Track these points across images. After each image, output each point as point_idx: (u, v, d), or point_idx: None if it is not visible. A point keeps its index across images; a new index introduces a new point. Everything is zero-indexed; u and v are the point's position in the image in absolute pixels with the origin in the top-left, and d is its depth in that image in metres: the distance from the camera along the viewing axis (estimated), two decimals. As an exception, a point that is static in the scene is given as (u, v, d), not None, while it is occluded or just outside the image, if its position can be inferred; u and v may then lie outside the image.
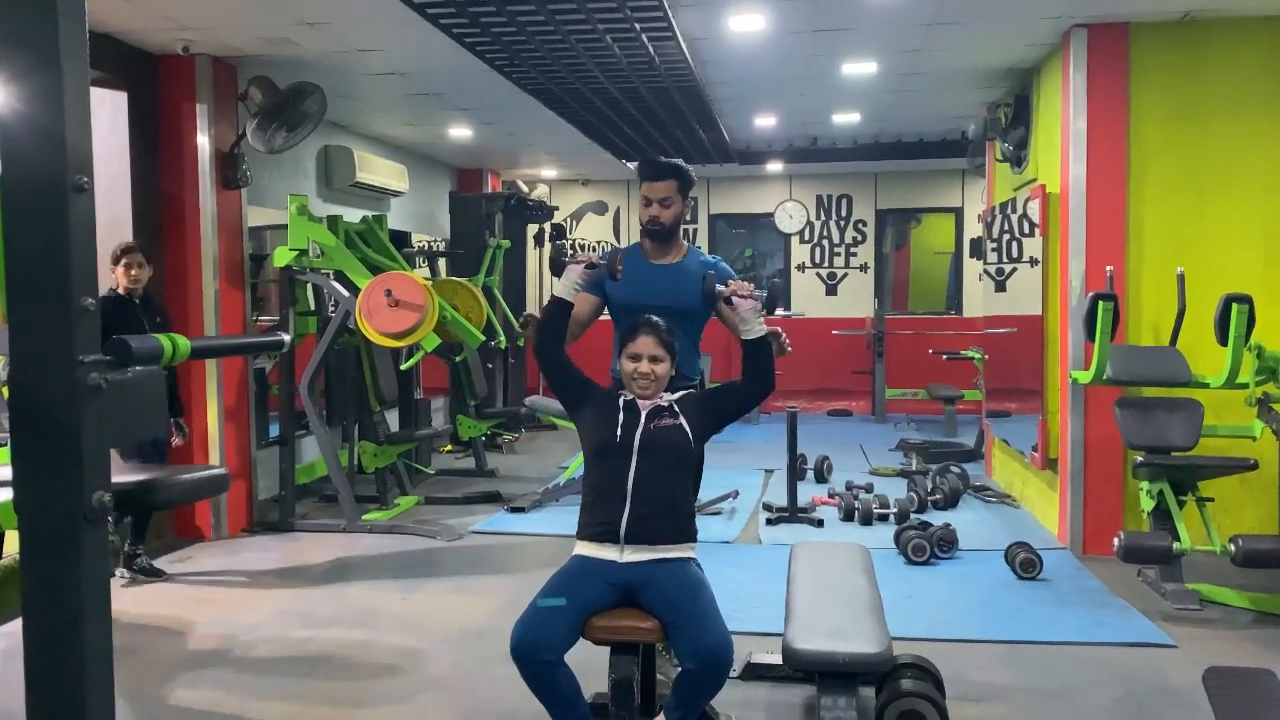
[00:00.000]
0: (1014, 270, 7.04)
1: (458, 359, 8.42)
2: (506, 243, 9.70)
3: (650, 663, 3.18)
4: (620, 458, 3.04)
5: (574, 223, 12.59)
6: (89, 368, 1.64)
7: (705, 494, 6.67)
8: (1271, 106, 5.54)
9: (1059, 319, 5.95)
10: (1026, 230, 6.57)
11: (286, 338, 2.82)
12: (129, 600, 4.98)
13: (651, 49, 5.88)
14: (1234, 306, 4.66)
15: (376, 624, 4.66)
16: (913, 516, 6.24)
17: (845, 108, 8.27)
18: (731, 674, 3.67)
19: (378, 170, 8.53)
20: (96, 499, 1.66)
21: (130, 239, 5.67)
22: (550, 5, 5.04)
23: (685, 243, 3.79)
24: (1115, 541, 4.71)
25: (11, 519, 1.72)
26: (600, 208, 12.60)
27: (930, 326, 11.65)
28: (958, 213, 11.90)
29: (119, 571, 5.26)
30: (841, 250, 12.24)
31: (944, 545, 5.59)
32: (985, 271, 8.05)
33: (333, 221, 6.79)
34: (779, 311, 11.87)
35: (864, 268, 12.20)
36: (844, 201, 12.21)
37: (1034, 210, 6.30)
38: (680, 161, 3.68)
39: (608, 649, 2.97)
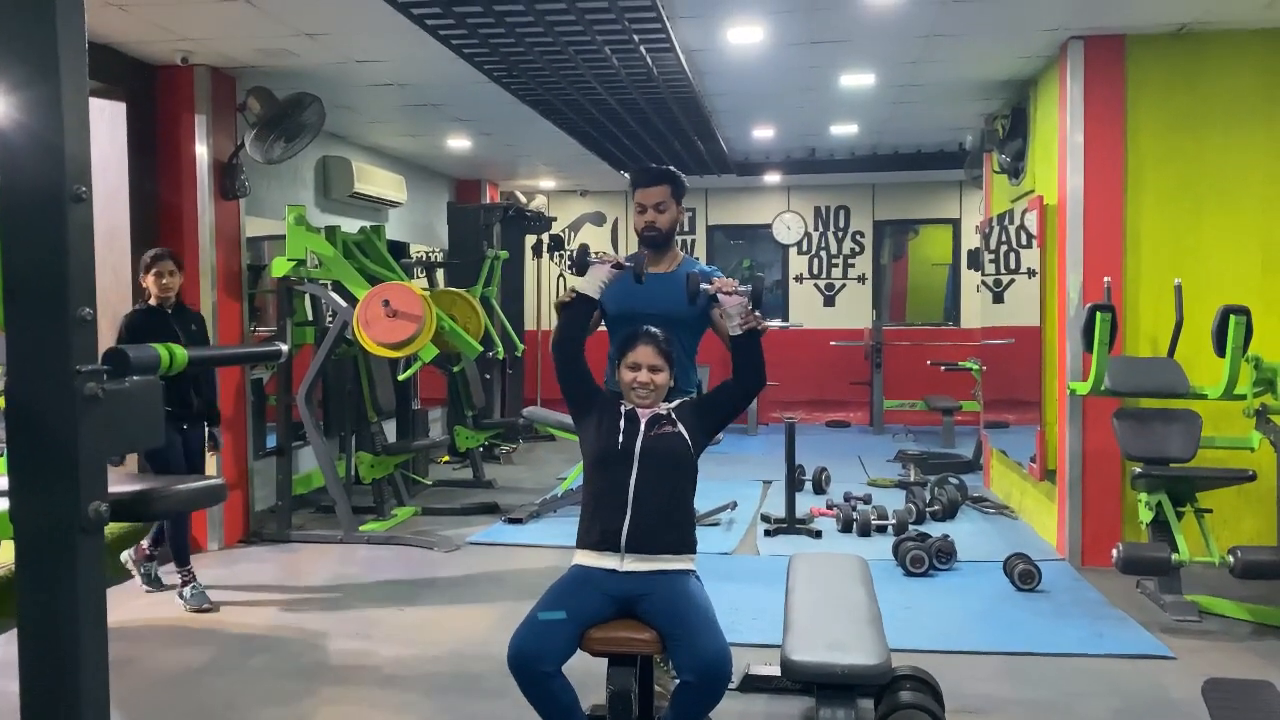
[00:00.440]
0: (1012, 281, 7.05)
1: (455, 370, 8.42)
2: (504, 253, 9.71)
3: (648, 675, 3.17)
4: (621, 466, 3.04)
5: (572, 234, 12.59)
6: (86, 377, 1.64)
7: (703, 505, 6.67)
8: (1267, 118, 5.56)
9: (1057, 330, 5.95)
10: (1024, 241, 6.58)
11: (284, 348, 2.81)
12: (125, 611, 4.96)
13: (650, 60, 5.90)
14: (1231, 318, 4.66)
15: (373, 635, 4.64)
16: (911, 528, 6.24)
17: (843, 119, 8.29)
18: (730, 686, 3.66)
19: (376, 181, 8.54)
20: (93, 509, 1.66)
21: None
22: (549, 16, 5.05)
23: (681, 252, 3.80)
24: (1114, 553, 4.71)
25: (7, 529, 1.71)
26: (598, 218, 12.61)
27: (928, 338, 11.66)
28: (955, 224, 11.92)
29: (140, 569, 5.32)
30: (839, 261, 12.25)
31: (942, 556, 5.58)
32: (983, 283, 8.06)
33: (331, 232, 6.79)
34: (776, 322, 11.88)
35: (862, 279, 12.21)
36: (842, 213, 12.22)
37: (1031, 222, 6.31)
38: (672, 168, 3.70)
39: (605, 661, 2.96)
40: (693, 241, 12.31)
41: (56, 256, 1.63)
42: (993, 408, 7.89)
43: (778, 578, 4.17)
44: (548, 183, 11.95)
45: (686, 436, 3.08)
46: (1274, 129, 5.56)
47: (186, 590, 5.07)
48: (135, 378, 1.79)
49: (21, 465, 1.67)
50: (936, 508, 6.83)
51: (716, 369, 9.47)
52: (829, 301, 12.26)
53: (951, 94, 7.23)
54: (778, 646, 3.28)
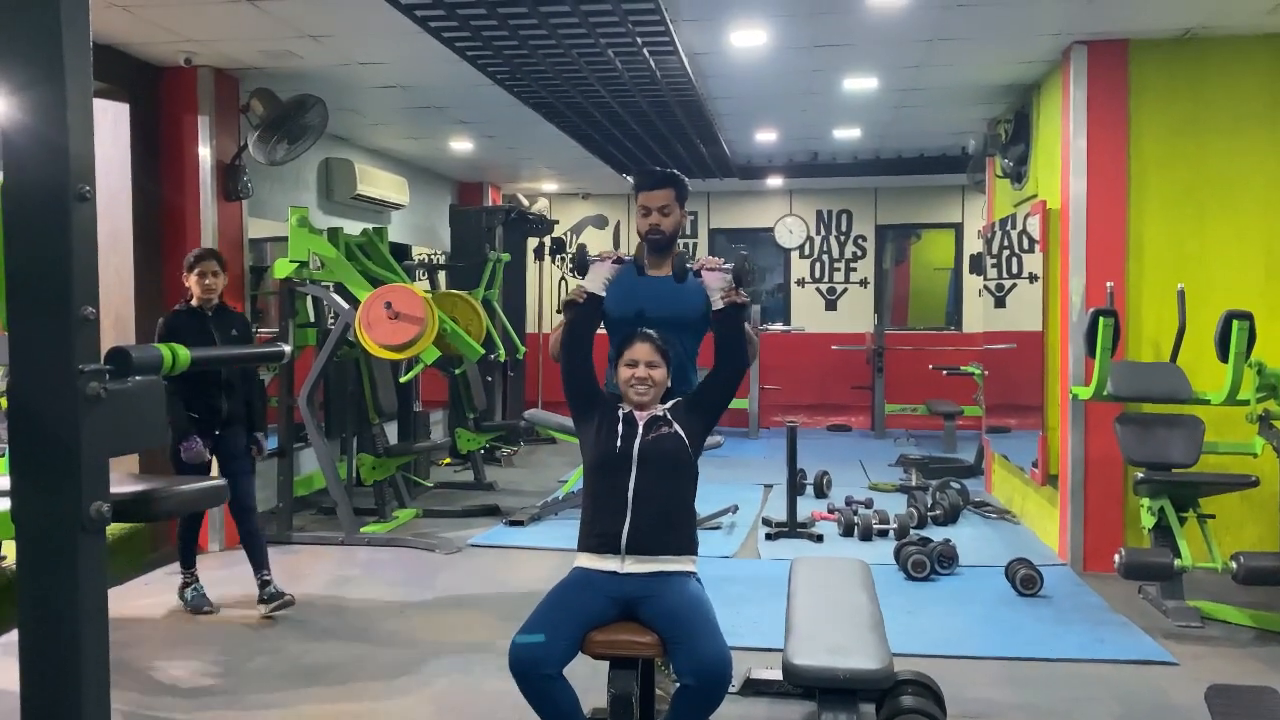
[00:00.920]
0: (1014, 286, 7.05)
1: (457, 372, 8.42)
2: (506, 256, 9.71)
3: (649, 678, 3.16)
4: (620, 469, 3.04)
5: (574, 236, 12.59)
6: (88, 377, 1.64)
7: (705, 509, 6.67)
8: (1270, 123, 5.56)
9: (1059, 335, 5.95)
10: (1026, 246, 6.58)
11: (286, 349, 2.81)
12: (126, 611, 4.95)
13: (653, 63, 5.90)
14: (1235, 323, 4.66)
15: (374, 637, 4.64)
16: (912, 532, 6.23)
17: (846, 123, 8.30)
18: (731, 689, 3.66)
19: (378, 183, 8.55)
20: (95, 509, 1.65)
21: (206, 245, 5.65)
22: (552, 19, 5.06)
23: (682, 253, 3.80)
24: (1116, 558, 4.70)
25: (9, 529, 1.70)
26: (600, 221, 12.61)
27: (930, 342, 11.66)
28: (958, 228, 11.92)
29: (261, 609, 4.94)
30: (841, 265, 12.25)
31: (944, 561, 5.57)
32: (985, 287, 8.06)
33: (333, 234, 6.80)
34: (778, 326, 11.89)
35: (864, 283, 12.21)
36: (844, 217, 12.23)
37: (1034, 226, 6.31)
38: (676, 171, 3.71)
39: (607, 663, 2.95)
40: (695, 245, 12.32)
41: (60, 255, 1.63)
42: (994, 412, 7.89)
43: (779, 582, 4.16)
44: (550, 185, 11.95)
45: (684, 436, 3.09)
46: (1277, 134, 5.56)
47: (188, 592, 5.05)
48: (138, 377, 1.79)
49: (23, 465, 1.66)
50: (938, 512, 6.82)
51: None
52: (831, 305, 12.26)
53: (954, 98, 7.23)
54: (779, 650, 3.27)
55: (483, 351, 7.17)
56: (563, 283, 12.17)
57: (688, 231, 12.26)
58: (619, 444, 3.06)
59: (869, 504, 7.18)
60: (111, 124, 5.89)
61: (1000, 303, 7.49)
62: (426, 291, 7.13)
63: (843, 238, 12.24)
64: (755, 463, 9.24)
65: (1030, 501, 6.78)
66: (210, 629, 4.74)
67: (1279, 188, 5.57)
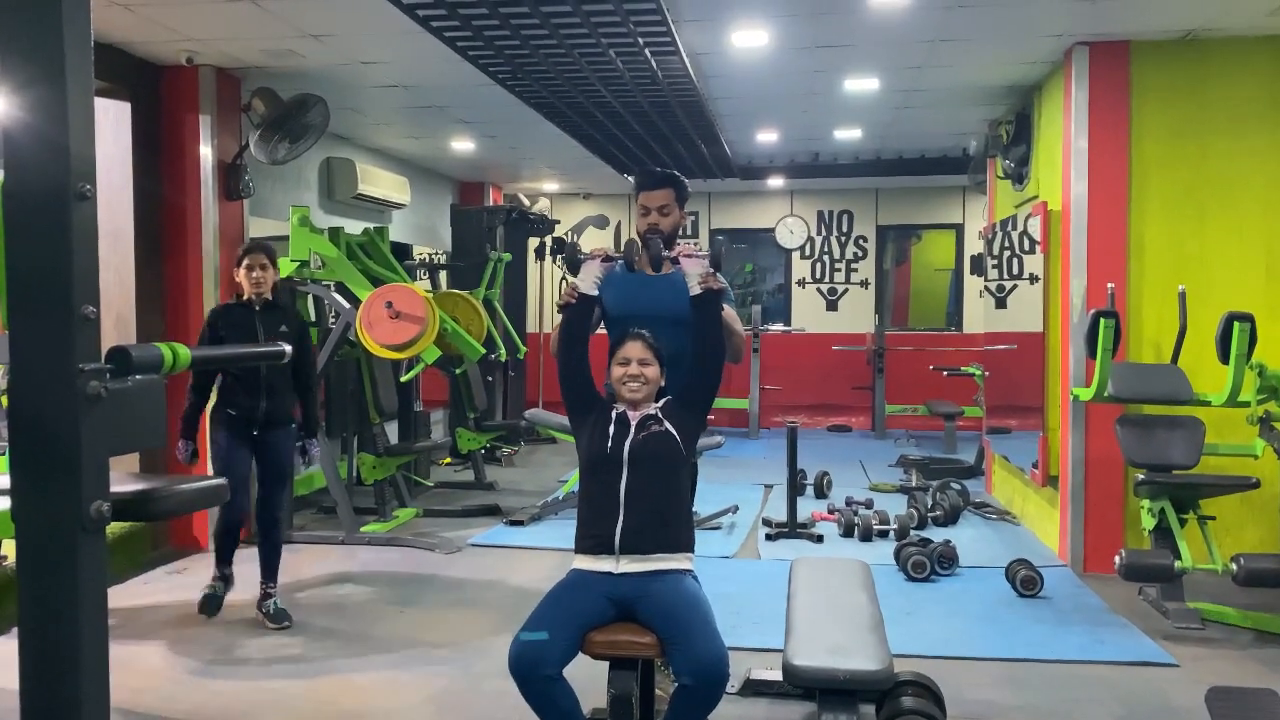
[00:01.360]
0: (1015, 287, 7.04)
1: (458, 372, 8.42)
2: (507, 256, 9.71)
3: (649, 678, 3.16)
4: (612, 469, 3.05)
5: (575, 236, 12.55)
6: (89, 376, 1.64)
7: (705, 509, 6.67)
8: (1272, 125, 5.56)
9: (1060, 336, 5.94)
10: (1027, 247, 6.57)
11: (287, 349, 2.80)
12: (124, 610, 4.95)
13: (654, 63, 5.90)
14: (1235, 324, 4.66)
15: (373, 637, 4.64)
16: (913, 533, 6.23)
17: (847, 124, 8.29)
18: (730, 690, 3.67)
19: (380, 182, 8.55)
20: (95, 509, 1.66)
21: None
22: (554, 19, 5.06)
23: None
24: (1116, 559, 4.70)
25: (9, 528, 1.71)
26: (601, 221, 12.58)
27: (931, 343, 11.65)
28: (958, 229, 11.92)
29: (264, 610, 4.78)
30: (842, 266, 12.25)
31: (944, 562, 5.57)
32: (986, 288, 8.06)
33: (334, 233, 6.79)
34: (779, 326, 11.89)
35: (865, 284, 12.21)
36: (845, 217, 12.22)
37: (1035, 227, 6.30)
38: (676, 171, 3.71)
39: (606, 664, 2.95)
40: (696, 244, 12.30)
41: (60, 255, 1.63)
42: (995, 413, 7.89)
43: (779, 582, 4.16)
44: (551, 185, 11.96)
45: (675, 434, 3.09)
46: (1278, 136, 5.55)
47: (210, 587, 4.82)
48: (138, 377, 1.79)
49: (23, 464, 1.67)
50: (938, 513, 6.82)
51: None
52: (831, 306, 12.26)
53: (955, 99, 7.22)
54: (779, 651, 3.27)
55: (483, 351, 7.16)
56: (562, 282, 12.16)
57: (688, 231, 12.27)
58: (610, 444, 3.07)
59: (869, 505, 7.18)
60: (113, 123, 5.89)
61: (1001, 304, 7.48)
62: (427, 291, 7.13)
63: (843, 238, 12.24)
64: (755, 463, 9.24)
65: (1030, 503, 6.78)
66: (207, 626, 4.74)
67: (1279, 189, 5.57)
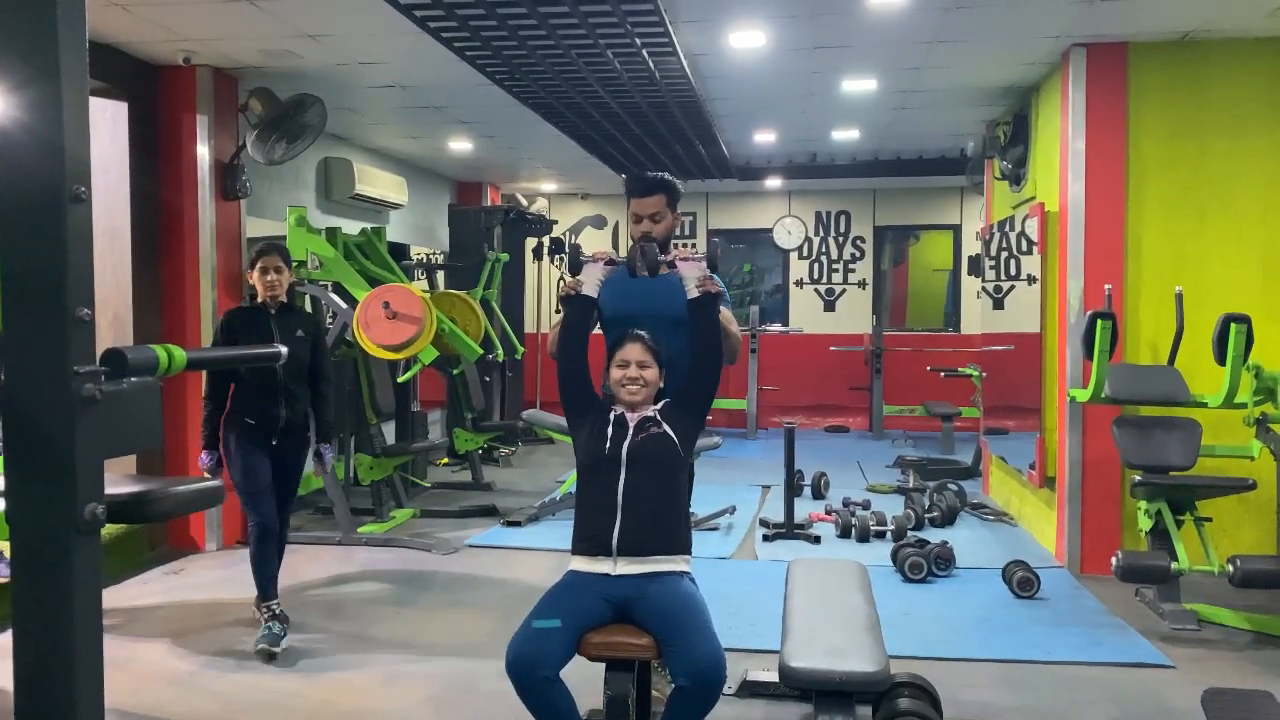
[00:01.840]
0: (1012, 288, 7.05)
1: (455, 372, 8.41)
2: (505, 256, 9.71)
3: (646, 679, 3.16)
4: (609, 470, 3.05)
5: (572, 236, 12.57)
6: (83, 378, 1.63)
7: (702, 509, 6.67)
8: (1269, 126, 5.56)
9: (1057, 337, 5.95)
10: (1025, 248, 6.58)
11: (283, 350, 2.80)
12: (122, 609, 4.95)
13: (652, 64, 5.90)
14: (1232, 326, 4.66)
15: (370, 637, 4.63)
16: (910, 534, 6.23)
17: (845, 124, 8.30)
18: (727, 691, 3.66)
19: (377, 182, 8.54)
20: (89, 511, 1.65)
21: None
22: (551, 19, 5.05)
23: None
24: (1113, 561, 4.70)
25: (3, 530, 1.70)
26: (599, 221, 12.60)
27: (928, 343, 11.66)
28: (956, 230, 11.93)
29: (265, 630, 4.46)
30: (840, 266, 12.26)
31: (941, 563, 5.57)
32: (983, 289, 8.06)
33: (331, 233, 6.79)
34: (776, 327, 11.89)
35: (862, 284, 12.21)
36: (843, 218, 12.23)
37: (1032, 228, 6.31)
38: (667, 175, 3.69)
39: (603, 665, 2.95)
40: (693, 246, 12.31)
41: (55, 256, 1.63)
42: (992, 414, 7.89)
43: (776, 583, 4.16)
44: (549, 185, 11.95)
45: (674, 436, 3.09)
46: (1276, 137, 5.56)
47: (262, 628, 4.46)
48: (134, 379, 1.79)
49: (18, 466, 1.66)
50: (935, 514, 6.82)
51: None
52: (829, 306, 12.27)
53: (953, 100, 7.23)
54: (776, 652, 3.26)
55: (481, 351, 7.16)
56: (560, 282, 12.16)
57: (685, 232, 12.27)
58: (608, 445, 3.07)
59: (866, 505, 7.18)
60: (110, 123, 5.88)
61: (998, 304, 7.49)
62: (425, 291, 7.13)
63: (841, 239, 12.24)
64: (753, 464, 9.24)
65: (1028, 504, 6.78)
66: (204, 627, 4.73)
67: (1277, 190, 5.57)
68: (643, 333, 3.20)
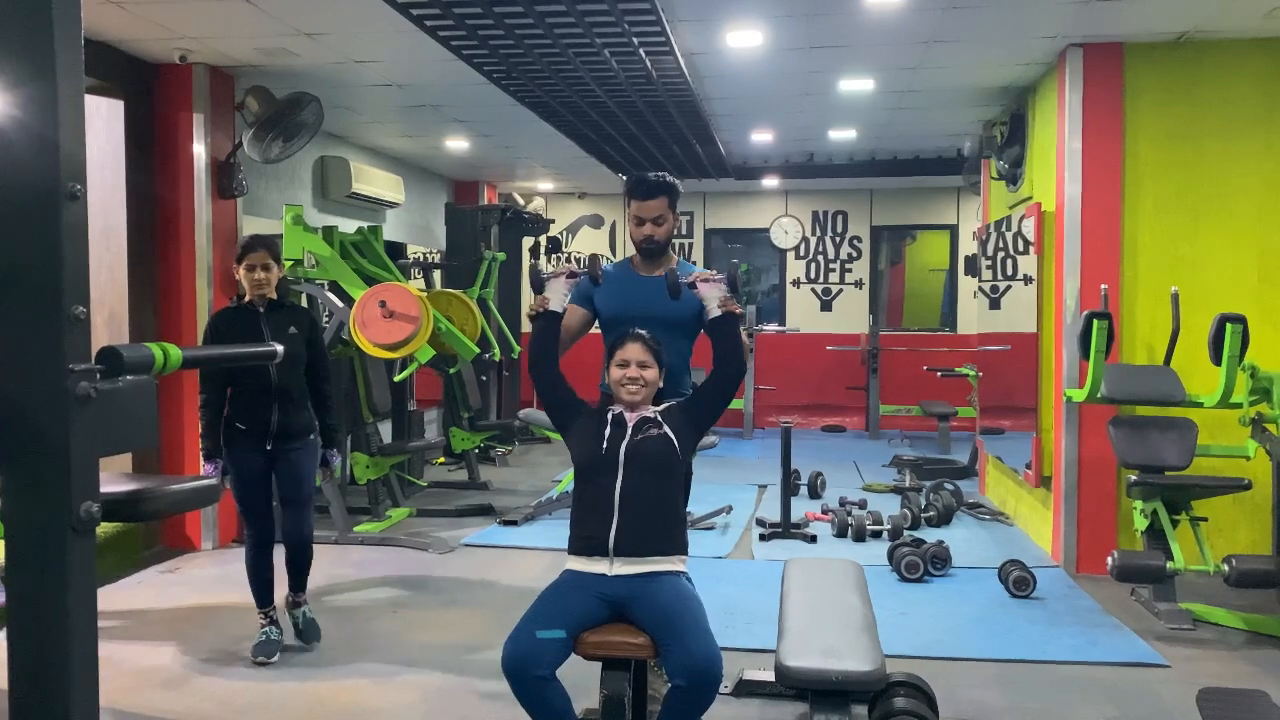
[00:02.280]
0: (1009, 288, 7.05)
1: (452, 371, 8.41)
2: (502, 255, 9.70)
3: (642, 679, 3.16)
4: (607, 471, 3.05)
5: (570, 236, 12.59)
6: (79, 377, 1.63)
7: (698, 509, 6.67)
8: (1266, 127, 5.57)
9: (1053, 337, 5.95)
10: (1021, 248, 6.58)
11: (280, 348, 2.79)
12: (119, 608, 4.94)
13: (649, 64, 5.90)
14: (1228, 326, 4.67)
15: (366, 637, 4.63)
16: (906, 533, 6.23)
17: (842, 124, 8.30)
18: (723, 690, 3.66)
19: (374, 181, 8.53)
20: (84, 509, 1.65)
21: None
22: (548, 19, 5.05)
23: (675, 256, 3.80)
24: (1109, 560, 4.71)
25: (-2, 529, 1.70)
26: (596, 221, 12.61)
27: (925, 343, 11.67)
28: (953, 230, 11.93)
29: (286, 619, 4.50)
30: (836, 266, 12.26)
31: (937, 562, 5.57)
32: (980, 289, 8.06)
33: (328, 232, 6.78)
34: (773, 326, 11.90)
35: (859, 284, 12.22)
36: (839, 218, 12.24)
37: (1029, 228, 6.31)
38: (668, 176, 3.67)
39: (599, 664, 2.95)
40: (690, 245, 12.32)
41: (50, 254, 1.62)
42: (989, 414, 7.89)
43: (772, 582, 4.16)
44: (546, 185, 11.95)
45: (673, 438, 3.09)
46: (1272, 138, 5.57)
47: (262, 633, 4.41)
48: (129, 377, 1.78)
49: (12, 464, 1.66)
50: (932, 513, 6.83)
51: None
52: (826, 306, 12.27)
53: (950, 100, 7.23)
54: (772, 651, 3.27)
55: (478, 351, 7.16)
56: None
57: (683, 232, 12.28)
58: (605, 446, 3.07)
59: (863, 505, 7.18)
60: (106, 121, 5.87)
61: (995, 304, 7.49)
62: (421, 290, 7.12)
63: (838, 238, 12.25)
64: (749, 463, 9.24)
65: (1024, 503, 6.79)
66: (200, 627, 4.73)
67: (1273, 191, 5.58)
68: (644, 332, 3.20)
